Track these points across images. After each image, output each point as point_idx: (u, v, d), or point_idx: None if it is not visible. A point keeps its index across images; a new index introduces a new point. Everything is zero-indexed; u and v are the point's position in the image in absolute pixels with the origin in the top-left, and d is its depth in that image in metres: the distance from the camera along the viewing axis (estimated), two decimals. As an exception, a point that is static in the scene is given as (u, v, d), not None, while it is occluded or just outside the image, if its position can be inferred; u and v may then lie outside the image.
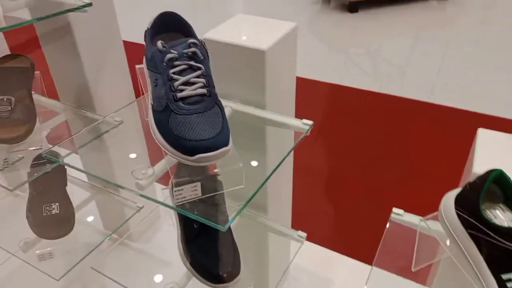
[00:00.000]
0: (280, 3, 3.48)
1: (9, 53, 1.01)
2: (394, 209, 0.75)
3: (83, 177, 1.23)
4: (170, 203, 0.64)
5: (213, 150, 0.56)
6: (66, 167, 1.08)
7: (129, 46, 1.16)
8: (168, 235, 1.27)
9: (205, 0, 3.67)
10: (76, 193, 1.13)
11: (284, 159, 0.74)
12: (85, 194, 1.21)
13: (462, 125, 1.85)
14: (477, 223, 0.50)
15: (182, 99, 0.60)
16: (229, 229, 0.80)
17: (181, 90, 0.60)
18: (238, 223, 0.89)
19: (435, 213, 0.63)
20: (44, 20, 0.95)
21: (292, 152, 1.00)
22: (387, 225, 0.75)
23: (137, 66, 0.77)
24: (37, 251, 1.00)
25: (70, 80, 1.05)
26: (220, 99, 0.63)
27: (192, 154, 0.56)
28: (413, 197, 1.50)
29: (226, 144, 0.58)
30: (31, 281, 1.21)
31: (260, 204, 0.94)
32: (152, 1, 3.92)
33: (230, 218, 0.64)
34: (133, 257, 1.24)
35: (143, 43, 0.69)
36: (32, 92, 0.96)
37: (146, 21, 0.69)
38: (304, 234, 0.88)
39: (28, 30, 1.05)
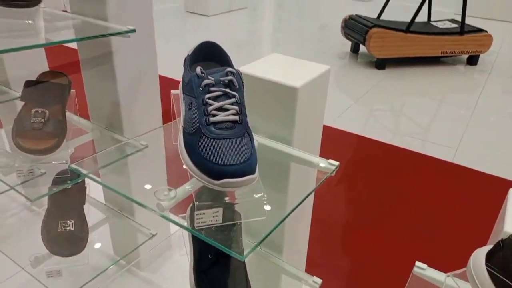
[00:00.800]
0: (306, 54, 3.58)
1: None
2: (417, 263, 0.72)
3: (101, 198, 1.24)
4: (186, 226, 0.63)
5: (239, 177, 0.56)
6: (86, 186, 1.10)
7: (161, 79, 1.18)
8: (177, 267, 1.28)
9: (235, 44, 3.79)
10: (92, 213, 1.13)
11: (306, 197, 0.74)
12: (100, 216, 1.21)
13: (486, 187, 1.81)
14: (509, 282, 0.47)
15: (214, 123, 0.61)
16: (244, 264, 0.78)
17: (214, 115, 0.61)
18: (251, 260, 0.88)
19: (462, 270, 0.59)
20: (88, 42, 1.00)
21: (313, 193, 0.98)
22: (409, 280, 0.71)
23: (172, 92, 0.79)
24: (46, 268, 1.00)
25: (103, 101, 1.08)
26: (249, 129, 0.61)
27: (218, 178, 0.56)
28: (435, 253, 1.44)
29: (252, 172, 0.58)
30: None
31: (275, 243, 0.92)
32: (185, 39, 4.08)
33: (246, 251, 0.62)
34: (139, 286, 1.22)
35: (173, 76, 0.71)
36: (66, 109, 0.99)
37: (173, 57, 0.71)
38: (319, 281, 0.84)
39: (67, 55, 1.09)
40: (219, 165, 0.56)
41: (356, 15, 3.39)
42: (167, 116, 0.86)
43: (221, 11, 4.90)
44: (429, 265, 0.70)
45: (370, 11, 3.99)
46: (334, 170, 0.75)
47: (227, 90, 0.63)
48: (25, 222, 1.47)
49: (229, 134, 0.60)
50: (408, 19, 3.11)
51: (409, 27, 3.04)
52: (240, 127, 0.61)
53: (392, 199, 1.77)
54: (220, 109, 0.62)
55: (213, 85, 0.63)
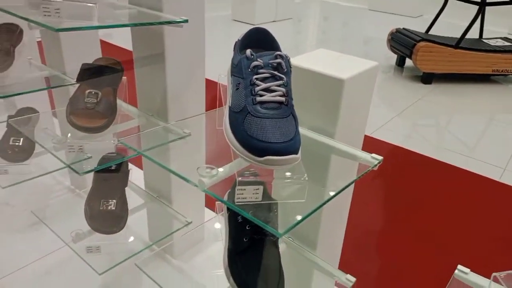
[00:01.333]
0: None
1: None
2: (459, 267, 0.68)
3: (141, 184, 1.27)
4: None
5: (282, 155, 0.55)
6: (130, 169, 1.14)
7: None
8: (209, 259, 1.30)
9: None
10: (131, 198, 1.16)
11: (347, 186, 0.73)
12: (139, 201, 1.24)
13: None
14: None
15: (261, 103, 0.61)
16: (278, 252, 0.78)
17: (261, 95, 0.62)
18: (284, 253, 0.86)
19: (507, 272, 0.56)
20: (142, 36, 1.04)
21: (351, 192, 0.98)
22: (449, 283, 0.68)
23: (219, 80, 0.81)
24: (87, 243, 1.04)
25: (151, 91, 1.10)
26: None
27: (261, 155, 0.56)
28: (477, 259, 1.37)
29: (296, 152, 0.57)
30: (75, 271, 1.24)
31: (310, 238, 0.91)
32: (230, 45, 4.13)
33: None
34: (170, 273, 1.24)
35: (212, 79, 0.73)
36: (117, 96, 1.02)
37: (218, 63, 0.73)
38: (353, 279, 0.82)
39: (121, 54, 1.12)
40: (263, 142, 0.56)
41: (404, 28, 3.33)
42: (211, 106, 0.87)
43: (267, 20, 4.97)
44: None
45: (418, 27, 3.91)
46: (377, 164, 0.74)
47: (275, 72, 0.63)
48: (68, 203, 1.53)
49: (274, 114, 0.60)
50: (458, 36, 3.02)
51: (459, 43, 2.95)
52: (285, 109, 0.61)
53: (431, 211, 1.71)
54: (267, 90, 0.62)
55: (261, 67, 0.63)
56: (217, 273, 0.79)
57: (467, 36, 3.01)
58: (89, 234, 1.04)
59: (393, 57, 3.59)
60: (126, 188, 1.11)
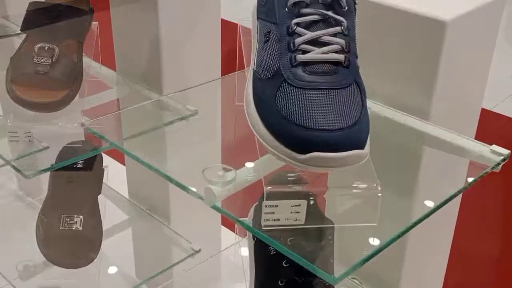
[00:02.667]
0: None
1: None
2: None
3: (123, 191, 1.17)
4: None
5: (340, 150, 0.47)
6: (104, 168, 1.02)
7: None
8: None
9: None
10: (109, 211, 1.05)
11: (447, 201, 0.60)
12: (121, 216, 1.13)
13: None
14: None
15: (304, 64, 0.52)
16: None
17: (305, 51, 0.53)
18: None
19: None
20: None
21: (458, 204, 0.88)
22: None
23: (240, 22, 0.71)
24: (41, 282, 0.95)
25: (137, 44, 1.00)
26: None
27: (305, 151, 0.47)
28: None
29: (361, 145, 0.49)
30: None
31: (388, 280, 0.81)
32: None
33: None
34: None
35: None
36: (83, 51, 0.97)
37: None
38: None
39: None
40: (308, 130, 0.47)
41: None
42: (229, 68, 0.80)
43: None
44: None
45: None
46: (500, 163, 0.63)
47: (329, 13, 0.54)
48: (15, 216, 1.39)
49: (327, 82, 0.51)
50: None
51: None
52: (345, 73, 0.53)
53: None
54: (316, 42, 0.53)
55: (306, 5, 0.55)
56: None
57: None
58: (44, 267, 0.95)
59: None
60: (100, 197, 1.00)
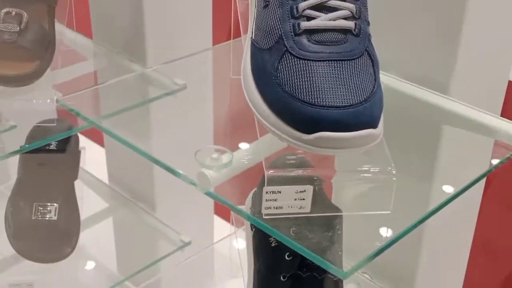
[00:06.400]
0: None
1: None
2: None
3: (103, 175, 1.10)
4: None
5: (350, 130, 0.41)
6: (81, 150, 0.93)
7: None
8: None
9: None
10: (87, 198, 0.98)
11: (468, 187, 0.54)
12: (101, 204, 1.06)
13: None
14: None
15: (309, 32, 0.46)
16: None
17: (309, 18, 0.47)
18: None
19: None
20: None
21: (481, 191, 0.79)
22: None
23: None
24: (10, 279, 0.87)
25: (116, 8, 0.91)
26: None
27: (311, 130, 0.42)
28: None
29: (374, 124, 0.43)
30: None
31: (403, 275, 0.73)
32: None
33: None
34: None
35: None
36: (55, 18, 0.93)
37: None
38: None
39: None
40: (314, 107, 0.42)
41: None
42: (221, 35, 0.79)
43: None
44: None
45: None
46: None
47: None
48: None
49: (335, 53, 0.45)
50: None
51: None
52: (355, 42, 0.47)
53: None
54: (321, 7, 0.47)
55: None
56: None
57: None
58: (14, 262, 0.88)
59: None
60: (77, 182, 0.94)
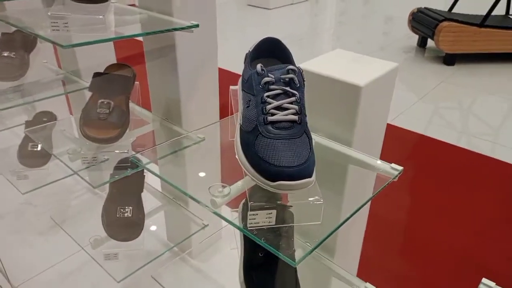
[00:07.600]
0: (370, 48, 3.45)
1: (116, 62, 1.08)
2: (484, 280, 0.65)
3: (158, 186, 1.27)
4: (238, 225, 0.63)
5: (296, 179, 0.54)
6: (145, 174, 1.13)
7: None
8: (227, 258, 1.29)
9: (296, 38, 3.75)
10: (149, 200, 1.16)
11: (364, 204, 0.71)
12: (156, 203, 1.24)
13: None
14: None
15: (272, 123, 0.59)
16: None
17: (273, 114, 0.59)
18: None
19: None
20: (153, 36, 1.02)
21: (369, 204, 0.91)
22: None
23: (231, 87, 0.79)
24: (105, 250, 1.04)
25: (165, 93, 1.09)
26: (307, 129, 0.59)
27: (274, 180, 0.54)
28: (502, 267, 1.34)
29: (309, 175, 0.55)
30: (93, 277, 1.26)
31: (327, 245, 0.89)
32: (245, 33, 4.10)
33: (297, 252, 0.61)
34: (190, 274, 1.24)
35: (232, 70, 0.71)
36: (129, 100, 1.02)
37: (233, 51, 0.71)
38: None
39: (133, 46, 1.09)
40: (275, 166, 0.54)
41: (425, 8, 3.21)
42: (225, 110, 0.85)
43: (283, 4, 4.88)
44: (497, 283, 0.64)
45: (440, 5, 3.76)
46: (396, 176, 0.71)
47: (287, 88, 0.60)
48: (88, 204, 1.55)
49: (287, 134, 0.58)
50: (484, 14, 2.88)
51: (484, 21, 2.83)
52: (298, 128, 0.59)
53: (456, 205, 1.67)
54: (279, 108, 0.60)
55: (273, 83, 0.61)
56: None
57: (493, 13, 2.86)
58: (106, 240, 1.06)
59: (415, 37, 3.47)
60: (143, 192, 1.12)
